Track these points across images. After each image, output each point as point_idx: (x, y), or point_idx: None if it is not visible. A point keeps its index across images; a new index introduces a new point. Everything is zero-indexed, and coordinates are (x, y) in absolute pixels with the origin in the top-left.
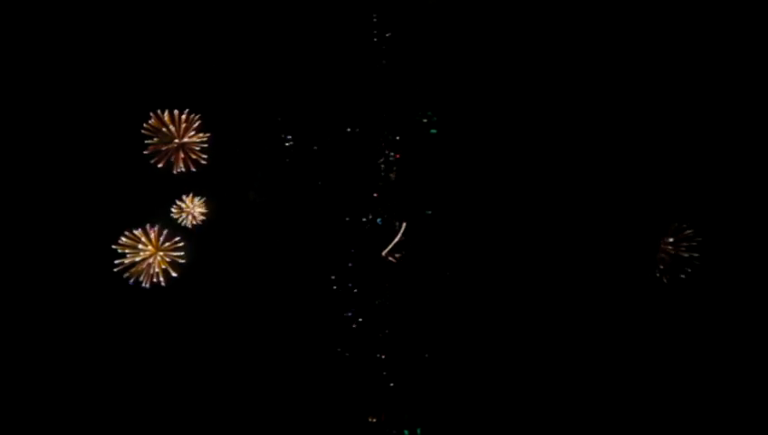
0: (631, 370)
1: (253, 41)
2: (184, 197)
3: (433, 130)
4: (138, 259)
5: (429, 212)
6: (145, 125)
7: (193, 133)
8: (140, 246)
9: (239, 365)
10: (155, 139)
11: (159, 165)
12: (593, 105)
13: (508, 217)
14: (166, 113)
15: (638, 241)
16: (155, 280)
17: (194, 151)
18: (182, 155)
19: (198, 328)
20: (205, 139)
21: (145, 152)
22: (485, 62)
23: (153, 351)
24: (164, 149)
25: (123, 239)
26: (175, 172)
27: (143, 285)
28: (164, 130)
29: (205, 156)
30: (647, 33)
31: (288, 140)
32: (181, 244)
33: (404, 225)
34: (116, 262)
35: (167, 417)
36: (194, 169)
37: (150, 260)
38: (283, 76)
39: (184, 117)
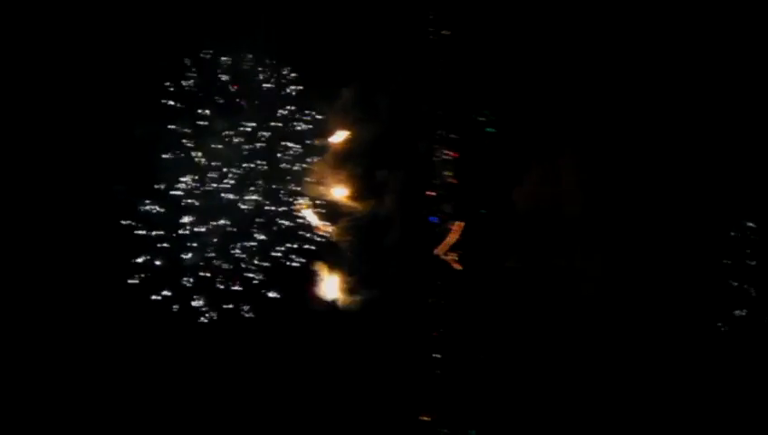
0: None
1: (304, 39)
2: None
3: (490, 129)
4: None
5: (484, 211)
6: None
7: None
8: None
9: (293, 358)
10: None
11: None
12: (652, 101)
13: (566, 217)
14: None
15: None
16: None
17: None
18: None
19: (259, 321)
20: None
21: None
22: (545, 60)
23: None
24: None
25: None
26: None
27: None
28: None
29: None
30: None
31: (336, 137)
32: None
33: (460, 224)
34: None
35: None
36: None
37: None
38: (336, 72)
39: None
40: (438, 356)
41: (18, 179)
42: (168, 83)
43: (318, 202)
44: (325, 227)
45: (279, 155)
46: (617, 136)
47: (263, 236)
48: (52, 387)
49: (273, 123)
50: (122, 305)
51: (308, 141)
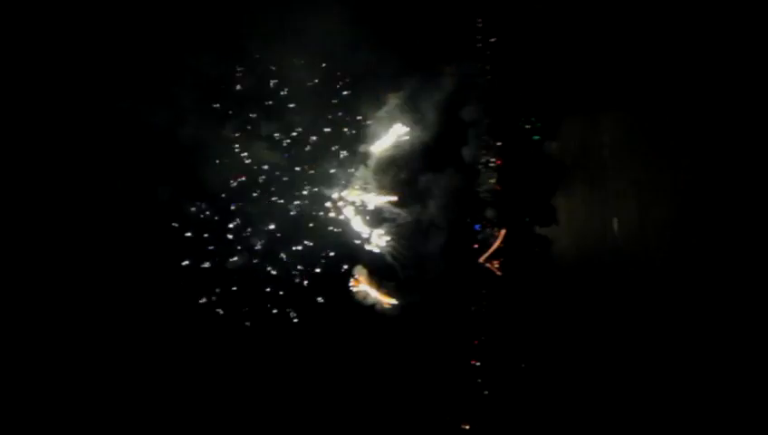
0: None
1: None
2: None
3: (536, 137)
4: None
5: (528, 219)
6: None
7: None
8: None
9: (335, 363)
10: None
11: None
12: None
13: (614, 226)
14: None
15: None
16: None
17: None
18: None
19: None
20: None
21: None
22: (593, 66)
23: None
24: None
25: None
26: None
27: None
28: None
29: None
30: None
31: (382, 143)
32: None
33: (503, 232)
34: None
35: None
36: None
37: None
38: (383, 77)
39: None
40: (478, 364)
41: (68, 181)
42: (216, 86)
43: (362, 207)
44: (368, 233)
45: (325, 160)
46: (668, 143)
47: (307, 241)
48: (105, 387)
49: (320, 128)
50: (168, 308)
51: (354, 147)
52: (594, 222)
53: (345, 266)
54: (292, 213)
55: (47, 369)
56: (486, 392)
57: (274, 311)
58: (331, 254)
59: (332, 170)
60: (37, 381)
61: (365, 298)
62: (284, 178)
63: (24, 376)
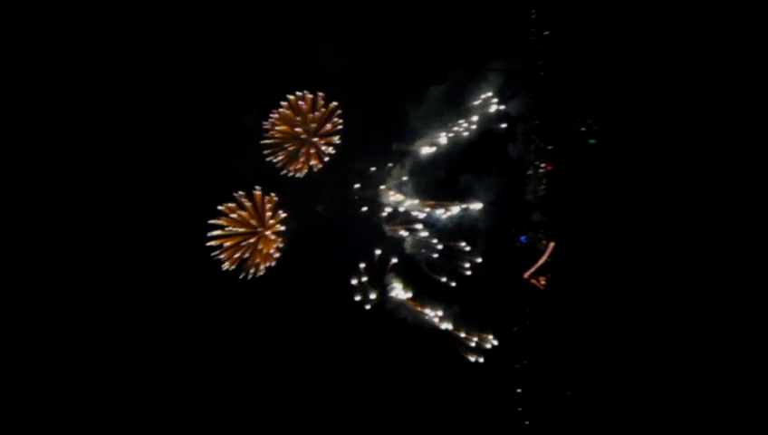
0: None
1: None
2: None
3: (592, 141)
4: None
5: (579, 232)
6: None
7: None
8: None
9: (365, 374)
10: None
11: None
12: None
13: (674, 241)
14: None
15: None
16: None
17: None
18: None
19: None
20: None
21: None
22: (656, 65)
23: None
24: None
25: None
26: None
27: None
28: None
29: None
30: None
31: (424, 147)
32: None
33: (551, 245)
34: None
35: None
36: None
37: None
38: (424, 77)
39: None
40: (519, 391)
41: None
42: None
43: (396, 211)
44: (403, 239)
45: (357, 158)
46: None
47: (336, 246)
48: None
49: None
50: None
51: (389, 144)
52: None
53: (376, 274)
54: (326, 213)
55: (47, 369)
56: (527, 423)
57: (297, 315)
58: (361, 261)
59: (370, 169)
60: (37, 380)
61: (397, 309)
62: (316, 177)
63: (24, 376)
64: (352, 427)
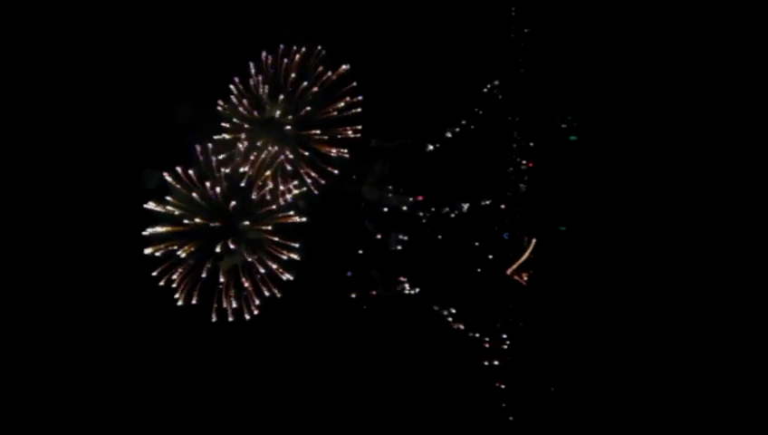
0: None
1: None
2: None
3: (573, 137)
4: None
5: (563, 228)
6: None
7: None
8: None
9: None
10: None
11: None
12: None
13: (657, 235)
14: None
15: None
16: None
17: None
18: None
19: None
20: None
21: None
22: (636, 61)
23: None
24: None
25: None
26: None
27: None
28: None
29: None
30: None
31: (408, 143)
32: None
33: (533, 241)
34: None
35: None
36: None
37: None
38: (406, 75)
39: None
40: (502, 387)
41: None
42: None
43: (378, 207)
44: (386, 235)
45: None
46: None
47: (319, 243)
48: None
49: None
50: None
51: (369, 140)
52: (637, 228)
53: (362, 271)
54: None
55: (46, 368)
56: (511, 419)
57: (285, 315)
58: (351, 259)
59: (355, 166)
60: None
61: (380, 304)
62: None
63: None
64: (352, 427)
